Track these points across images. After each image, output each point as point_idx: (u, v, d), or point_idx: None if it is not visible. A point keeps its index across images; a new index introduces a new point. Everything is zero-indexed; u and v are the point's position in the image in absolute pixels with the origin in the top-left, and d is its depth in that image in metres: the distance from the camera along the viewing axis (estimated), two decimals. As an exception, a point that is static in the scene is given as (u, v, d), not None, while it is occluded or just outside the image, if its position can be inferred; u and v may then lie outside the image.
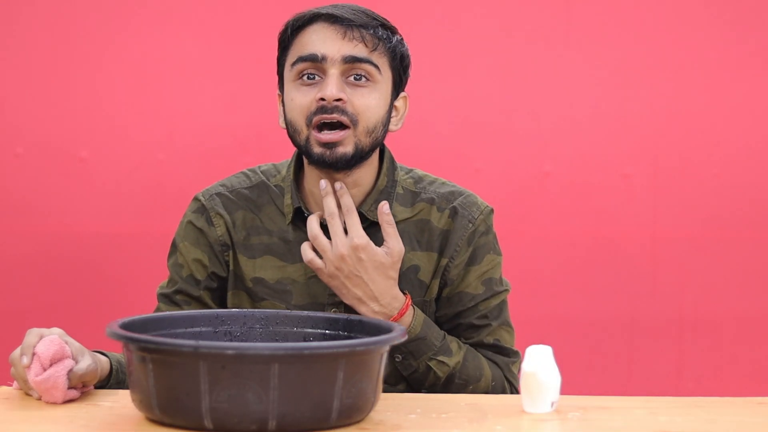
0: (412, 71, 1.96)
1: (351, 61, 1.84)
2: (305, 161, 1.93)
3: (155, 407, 1.46)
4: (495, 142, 3.01)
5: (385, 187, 1.94)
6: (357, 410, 1.49)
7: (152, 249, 2.90)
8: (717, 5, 3.00)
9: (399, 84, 1.92)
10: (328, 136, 1.83)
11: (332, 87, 1.82)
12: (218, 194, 1.99)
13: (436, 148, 3.00)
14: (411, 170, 2.01)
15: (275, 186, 1.98)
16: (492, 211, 1.98)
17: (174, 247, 2.00)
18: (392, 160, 1.98)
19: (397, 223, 1.94)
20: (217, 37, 3.00)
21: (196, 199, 2.00)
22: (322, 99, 1.82)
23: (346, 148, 1.84)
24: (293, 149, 1.97)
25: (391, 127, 1.93)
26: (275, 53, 1.93)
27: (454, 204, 1.96)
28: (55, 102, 3.00)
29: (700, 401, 1.70)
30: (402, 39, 1.92)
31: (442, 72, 3.01)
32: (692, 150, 3.01)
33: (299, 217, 1.94)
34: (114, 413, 1.57)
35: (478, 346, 1.96)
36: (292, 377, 1.41)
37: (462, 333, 1.96)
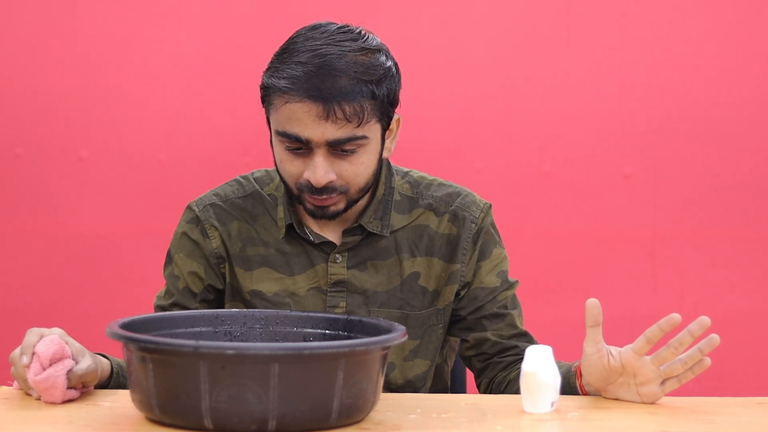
0: (413, 70, 1.94)
1: (335, 144, 1.75)
2: None
3: (155, 407, 1.46)
4: (495, 142, 3.01)
5: (383, 197, 1.92)
6: (357, 410, 1.49)
7: (152, 249, 2.90)
8: (717, 5, 3.00)
9: (388, 121, 1.83)
10: (319, 201, 1.80)
11: (320, 172, 1.76)
12: (212, 205, 1.95)
13: (437, 148, 3.00)
14: (407, 173, 1.98)
15: (269, 195, 1.95)
16: (490, 206, 1.97)
17: (169, 257, 1.97)
18: (389, 166, 1.95)
19: (395, 231, 1.93)
20: (217, 37, 3.00)
21: (189, 208, 1.97)
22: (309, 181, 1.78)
23: (338, 207, 1.82)
24: None
25: (384, 154, 1.87)
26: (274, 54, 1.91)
27: (453, 207, 1.94)
28: (55, 102, 3.00)
29: (700, 401, 1.70)
30: (389, 71, 1.79)
31: (442, 72, 3.01)
32: (692, 150, 3.01)
33: (293, 231, 1.92)
34: (114, 413, 1.57)
35: (515, 336, 1.95)
36: (292, 377, 1.41)
37: (488, 325, 1.94)
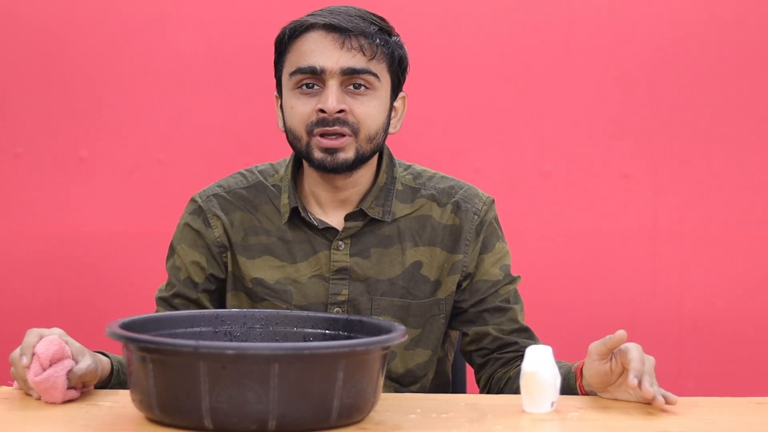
0: (413, 70, 1.96)
1: (350, 72, 1.83)
2: (305, 163, 1.93)
3: (155, 407, 1.46)
4: (495, 142, 3.02)
5: (384, 184, 1.94)
6: (357, 410, 1.49)
7: (152, 249, 2.90)
8: (717, 5, 3.00)
9: (397, 86, 1.91)
10: (329, 142, 1.83)
11: (332, 99, 1.82)
12: (215, 195, 1.98)
13: (437, 148, 3.00)
14: (409, 166, 2.01)
15: (273, 186, 1.97)
16: (493, 200, 2.00)
17: (172, 249, 1.99)
18: (391, 157, 1.98)
19: (397, 219, 1.94)
20: (217, 37, 3.00)
21: (192, 200, 1.99)
22: (323, 111, 1.82)
23: (348, 154, 1.85)
24: (291, 149, 1.97)
25: (390, 129, 1.93)
26: (274, 54, 1.93)
27: (456, 198, 1.97)
28: (55, 102, 3.00)
29: (700, 401, 1.70)
30: (399, 39, 1.90)
31: (442, 71, 3.01)
32: (692, 150, 3.01)
33: (296, 217, 1.94)
34: (114, 413, 1.57)
35: (516, 332, 1.96)
36: (292, 377, 1.41)
37: (489, 319, 1.96)
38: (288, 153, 2.00)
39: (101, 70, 3.00)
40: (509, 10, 3.01)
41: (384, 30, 1.87)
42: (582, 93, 3.01)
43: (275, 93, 1.94)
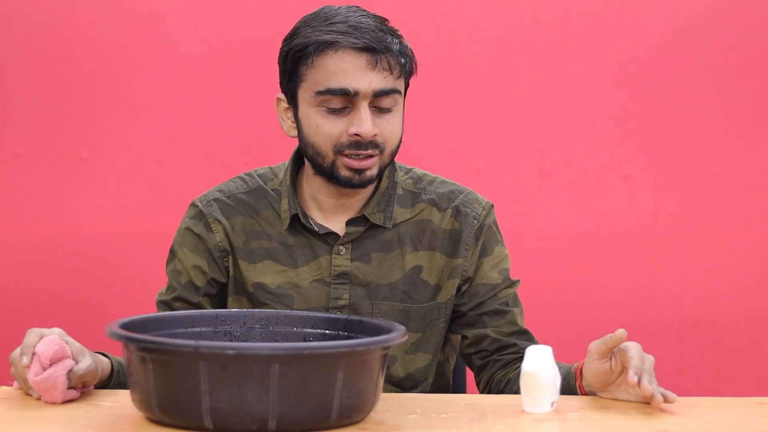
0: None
1: (380, 94, 1.81)
2: (308, 168, 1.92)
3: (155, 407, 1.46)
4: (495, 142, 3.02)
5: (386, 190, 1.94)
6: (357, 410, 1.49)
7: (152, 249, 2.90)
8: (717, 5, 3.00)
9: (406, 89, 1.90)
10: (360, 163, 1.83)
11: (368, 124, 1.80)
12: (216, 200, 1.97)
13: (436, 148, 3.00)
14: (410, 170, 2.01)
15: (273, 190, 1.97)
16: (492, 206, 2.00)
17: (172, 253, 1.98)
18: (393, 162, 1.97)
19: (397, 224, 1.94)
20: (217, 37, 3.00)
21: (193, 205, 1.99)
22: (357, 134, 1.81)
23: (373, 171, 1.85)
24: (292, 150, 1.97)
25: None
26: (275, 53, 1.91)
27: (456, 203, 1.97)
28: (55, 102, 3.00)
29: (700, 401, 1.70)
30: (408, 44, 1.88)
31: (443, 72, 3.01)
32: (692, 150, 3.01)
33: (297, 223, 1.94)
34: (114, 413, 1.57)
35: (515, 334, 1.96)
36: (292, 377, 1.41)
37: (488, 321, 1.96)
38: (287, 154, 1.99)
39: (101, 70, 3.00)
40: (509, 10, 3.01)
41: (401, 41, 1.85)
42: (582, 93, 3.01)
43: (278, 96, 1.92)
